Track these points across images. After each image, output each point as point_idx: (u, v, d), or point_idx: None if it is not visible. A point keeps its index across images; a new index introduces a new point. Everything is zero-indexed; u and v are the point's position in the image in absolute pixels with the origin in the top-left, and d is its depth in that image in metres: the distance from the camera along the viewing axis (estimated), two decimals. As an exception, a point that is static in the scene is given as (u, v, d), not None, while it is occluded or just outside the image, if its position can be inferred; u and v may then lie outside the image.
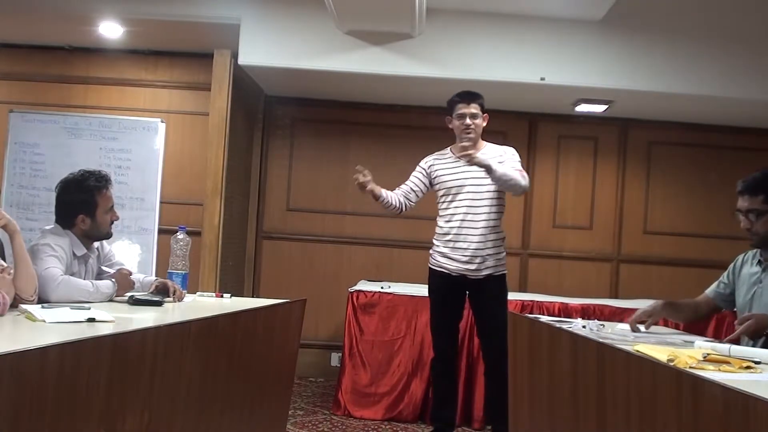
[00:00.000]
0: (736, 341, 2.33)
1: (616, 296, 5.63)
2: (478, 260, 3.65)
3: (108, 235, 2.90)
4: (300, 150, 5.86)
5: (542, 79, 4.79)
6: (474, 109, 3.68)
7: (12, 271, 2.23)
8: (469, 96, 3.70)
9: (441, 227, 3.75)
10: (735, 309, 2.78)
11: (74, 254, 2.75)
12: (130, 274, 2.83)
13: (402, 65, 4.78)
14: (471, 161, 3.50)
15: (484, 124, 3.74)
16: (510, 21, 4.80)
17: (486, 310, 3.73)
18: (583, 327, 2.58)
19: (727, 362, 1.81)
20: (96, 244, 2.92)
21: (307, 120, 5.88)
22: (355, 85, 5.25)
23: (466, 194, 3.68)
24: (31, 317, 1.97)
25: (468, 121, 3.67)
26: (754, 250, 2.70)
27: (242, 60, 4.81)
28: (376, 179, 3.67)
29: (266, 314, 2.88)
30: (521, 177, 3.60)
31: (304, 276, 5.73)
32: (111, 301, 2.65)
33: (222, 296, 3.20)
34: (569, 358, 2.36)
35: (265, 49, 4.80)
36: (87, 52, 5.49)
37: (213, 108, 5.03)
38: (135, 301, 2.57)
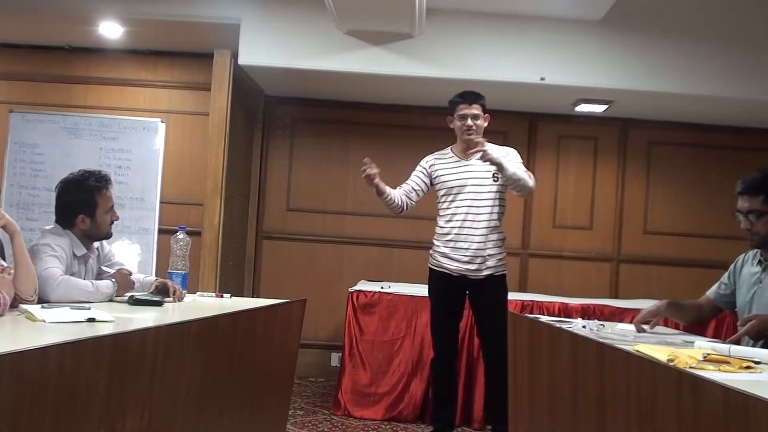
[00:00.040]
0: (738, 342, 2.33)
1: (616, 296, 5.63)
2: (479, 260, 3.65)
3: (108, 235, 2.90)
4: (300, 150, 5.86)
5: (542, 79, 4.79)
6: (476, 110, 3.68)
7: (12, 271, 2.23)
8: (471, 96, 3.70)
9: (441, 227, 3.74)
10: (736, 310, 2.78)
11: (74, 254, 2.75)
12: (130, 274, 2.83)
13: (402, 65, 4.78)
14: (484, 157, 3.50)
15: (486, 124, 3.74)
16: (510, 21, 4.80)
17: (486, 310, 3.73)
18: (583, 327, 2.57)
19: (727, 362, 1.81)
20: (96, 244, 2.92)
21: (307, 120, 5.88)
22: (355, 85, 5.25)
23: (467, 194, 3.68)
24: (31, 317, 1.97)
25: (470, 122, 3.67)
26: (755, 251, 2.70)
27: (242, 60, 4.81)
28: (376, 179, 3.66)
29: (266, 314, 2.88)
30: (529, 177, 3.62)
31: (304, 276, 5.73)
32: (111, 301, 2.65)
33: (222, 296, 3.20)
34: (569, 358, 2.36)
35: (265, 49, 4.80)
36: (87, 52, 5.49)
37: (213, 108, 5.03)
38: (135, 301, 2.57)
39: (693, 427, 1.47)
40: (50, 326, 1.88)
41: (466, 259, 3.65)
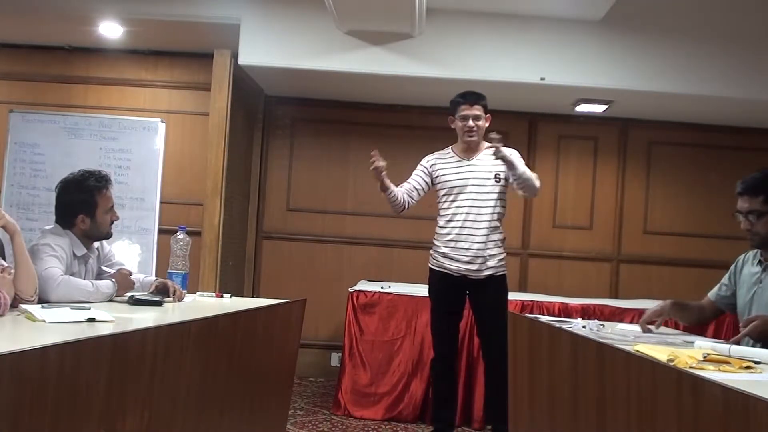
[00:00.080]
0: (739, 343, 2.33)
1: (616, 296, 5.63)
2: (479, 260, 3.65)
3: (108, 235, 2.90)
4: (300, 150, 5.86)
5: (542, 79, 4.79)
6: (477, 110, 3.68)
7: (12, 271, 2.23)
8: (472, 97, 3.70)
9: (442, 227, 3.74)
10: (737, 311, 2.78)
11: (74, 254, 2.75)
12: (130, 274, 2.83)
13: (402, 65, 4.78)
14: (496, 154, 3.49)
15: (487, 125, 3.74)
16: (510, 21, 4.80)
17: (486, 310, 3.73)
18: (583, 327, 2.57)
19: (727, 362, 1.80)
20: (96, 244, 2.92)
21: (307, 120, 5.88)
22: (355, 85, 5.25)
23: (468, 194, 3.68)
24: (31, 317, 1.97)
25: (471, 123, 3.67)
26: (755, 251, 2.70)
27: (242, 60, 4.81)
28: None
29: (266, 314, 2.88)
30: (536, 178, 3.63)
31: (304, 276, 5.72)
32: (111, 301, 2.65)
33: (222, 296, 3.20)
34: (569, 358, 2.36)
35: (265, 49, 4.80)
36: (87, 52, 5.49)
37: (213, 108, 5.03)
38: (135, 301, 2.57)
39: (693, 427, 1.47)
40: (50, 326, 1.88)
41: (466, 259, 3.65)
